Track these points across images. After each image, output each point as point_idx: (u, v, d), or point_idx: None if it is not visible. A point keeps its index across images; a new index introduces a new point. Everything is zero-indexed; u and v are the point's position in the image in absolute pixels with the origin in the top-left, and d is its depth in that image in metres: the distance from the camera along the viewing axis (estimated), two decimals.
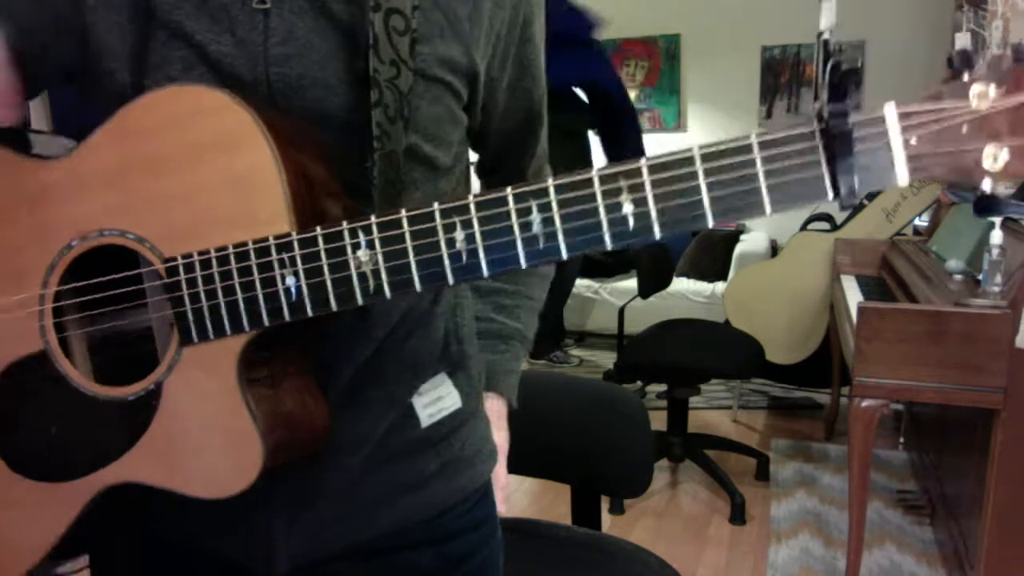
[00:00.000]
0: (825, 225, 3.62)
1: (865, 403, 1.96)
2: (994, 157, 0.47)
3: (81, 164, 0.64)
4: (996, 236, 1.92)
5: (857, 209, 3.41)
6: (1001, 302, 1.83)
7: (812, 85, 4.78)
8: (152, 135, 0.61)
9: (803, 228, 3.67)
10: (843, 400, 3.18)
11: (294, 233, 0.58)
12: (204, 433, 0.62)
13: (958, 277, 2.16)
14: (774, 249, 4.18)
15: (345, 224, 0.57)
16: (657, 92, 5.25)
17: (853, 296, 2.56)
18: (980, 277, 1.99)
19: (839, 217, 3.54)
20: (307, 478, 0.70)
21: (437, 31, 0.68)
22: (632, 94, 5.30)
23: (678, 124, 5.22)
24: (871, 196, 3.39)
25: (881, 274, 2.95)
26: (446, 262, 0.56)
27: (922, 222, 3.35)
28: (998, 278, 1.91)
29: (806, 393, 3.87)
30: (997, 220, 1.96)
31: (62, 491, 0.66)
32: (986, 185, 0.49)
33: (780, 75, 4.85)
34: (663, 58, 5.20)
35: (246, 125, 0.58)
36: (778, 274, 3.46)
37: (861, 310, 1.94)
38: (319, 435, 0.67)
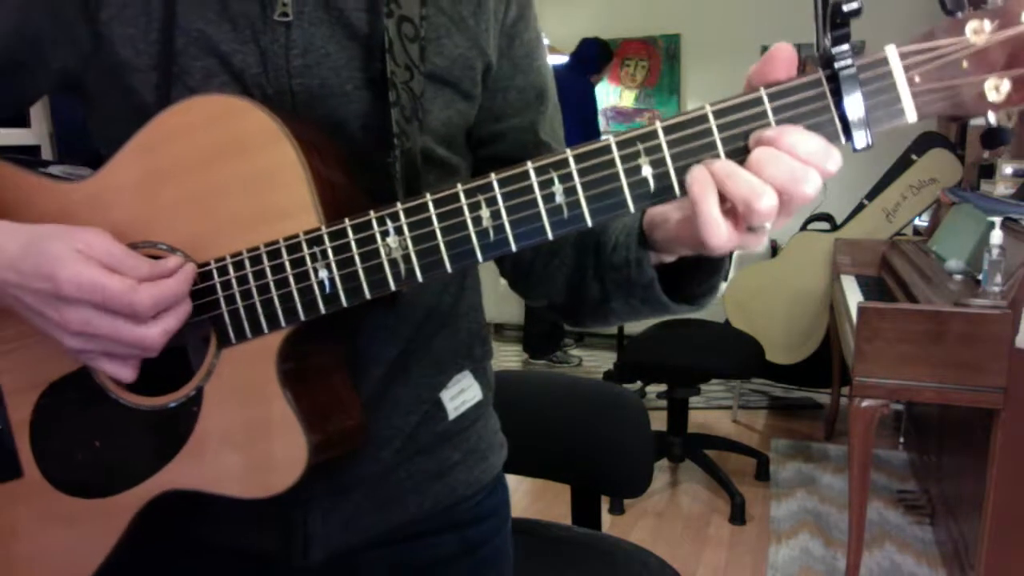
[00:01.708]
0: (825, 225, 3.62)
1: (865, 403, 1.96)
2: (996, 88, 0.49)
3: (107, 182, 0.64)
4: (996, 236, 1.92)
5: (857, 209, 3.41)
6: (1001, 302, 1.83)
7: None
8: (175, 145, 0.62)
9: (803, 228, 3.67)
10: (843, 400, 3.18)
11: (323, 227, 0.59)
12: (248, 433, 0.63)
13: (958, 277, 2.15)
14: (774, 249, 4.18)
15: (372, 213, 0.58)
16: (657, 92, 5.25)
17: (853, 296, 2.56)
18: (980, 277, 1.99)
19: (839, 217, 3.54)
20: (341, 471, 0.72)
21: (443, 32, 0.70)
22: (632, 94, 5.31)
23: None
24: (871, 196, 3.39)
25: (881, 274, 2.94)
26: (474, 240, 0.57)
27: (922, 222, 3.35)
28: (998, 278, 1.91)
29: (806, 393, 3.87)
30: (997, 220, 1.96)
31: (107, 506, 0.66)
32: (991, 117, 0.50)
33: None
34: (663, 58, 5.20)
35: (267, 127, 0.60)
36: (778, 274, 3.46)
37: (861, 310, 1.94)
38: (357, 431, 0.68)
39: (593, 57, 4.44)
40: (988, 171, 2.83)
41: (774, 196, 0.50)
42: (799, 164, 0.50)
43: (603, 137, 0.54)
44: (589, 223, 0.55)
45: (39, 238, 0.59)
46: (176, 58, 0.65)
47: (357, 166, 0.66)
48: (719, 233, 0.52)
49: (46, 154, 2.71)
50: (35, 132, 2.72)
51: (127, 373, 0.62)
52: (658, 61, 5.21)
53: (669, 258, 0.63)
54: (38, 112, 2.71)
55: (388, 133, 0.65)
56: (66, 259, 0.57)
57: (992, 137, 0.52)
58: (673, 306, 0.65)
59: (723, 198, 0.52)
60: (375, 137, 0.67)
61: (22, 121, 2.68)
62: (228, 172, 0.61)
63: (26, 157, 0.71)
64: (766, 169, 0.50)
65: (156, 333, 0.59)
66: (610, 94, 5.34)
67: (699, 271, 0.64)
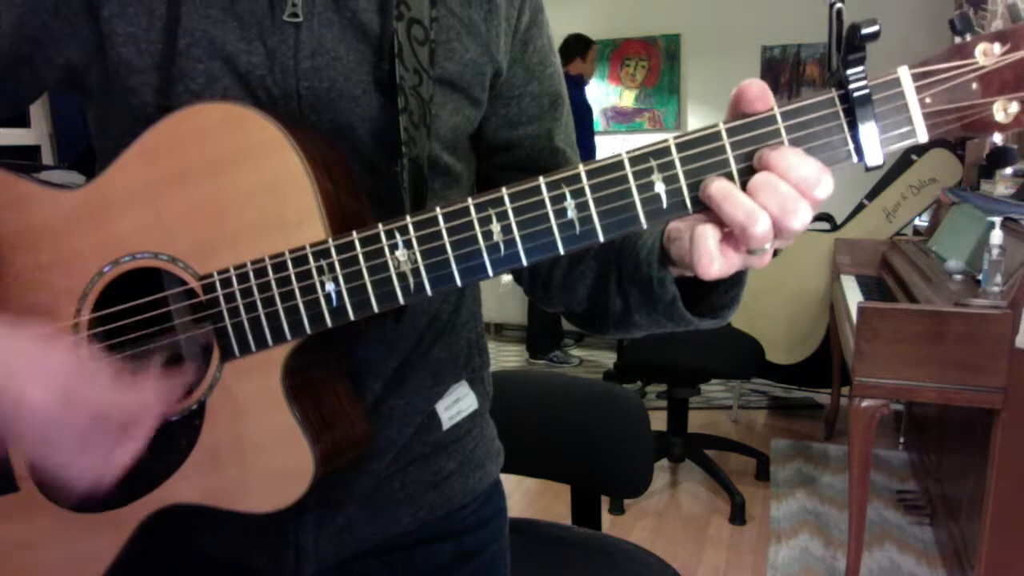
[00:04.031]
0: (825, 225, 3.62)
1: (865, 403, 1.96)
2: (1004, 110, 0.50)
3: (106, 189, 0.63)
4: (996, 236, 1.92)
5: (857, 209, 3.41)
6: (1001, 302, 1.83)
7: (813, 85, 4.78)
8: (178, 153, 0.61)
9: None
10: (843, 400, 3.18)
11: (331, 240, 0.58)
12: (253, 447, 0.62)
13: (958, 277, 2.15)
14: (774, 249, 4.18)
15: (381, 226, 0.57)
16: (657, 92, 5.25)
17: (853, 296, 2.56)
18: (980, 277, 1.99)
19: (839, 217, 3.54)
20: (335, 484, 0.71)
21: (454, 35, 0.68)
22: (632, 94, 5.31)
23: (678, 124, 5.22)
24: (871, 196, 3.39)
25: (881, 274, 2.94)
26: (485, 255, 0.56)
27: (922, 222, 3.35)
28: (998, 278, 1.91)
29: (806, 393, 3.87)
30: (997, 220, 1.96)
31: (107, 521, 0.65)
32: (997, 138, 0.51)
33: (780, 75, 4.84)
34: (663, 58, 5.20)
35: (273, 136, 0.58)
36: (778, 274, 3.46)
37: (861, 310, 1.94)
38: (361, 441, 0.68)
39: (568, 58, 4.30)
40: (988, 171, 2.83)
41: (768, 220, 0.50)
42: (792, 195, 0.50)
43: (615, 152, 0.54)
44: (601, 239, 0.55)
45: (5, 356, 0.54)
46: (178, 59, 0.63)
47: (362, 172, 0.65)
48: (709, 264, 0.52)
49: (46, 154, 2.71)
50: (35, 132, 2.72)
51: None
52: (658, 61, 5.21)
53: (691, 272, 0.61)
54: (38, 112, 2.70)
55: (396, 139, 0.64)
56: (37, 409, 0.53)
57: (998, 157, 0.53)
58: (696, 321, 0.64)
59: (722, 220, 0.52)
60: (382, 142, 0.65)
61: (22, 121, 2.68)
62: (233, 182, 0.60)
63: (22, 162, 0.69)
64: (759, 197, 0.50)
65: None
66: (610, 94, 5.34)
67: (721, 282, 0.63)
